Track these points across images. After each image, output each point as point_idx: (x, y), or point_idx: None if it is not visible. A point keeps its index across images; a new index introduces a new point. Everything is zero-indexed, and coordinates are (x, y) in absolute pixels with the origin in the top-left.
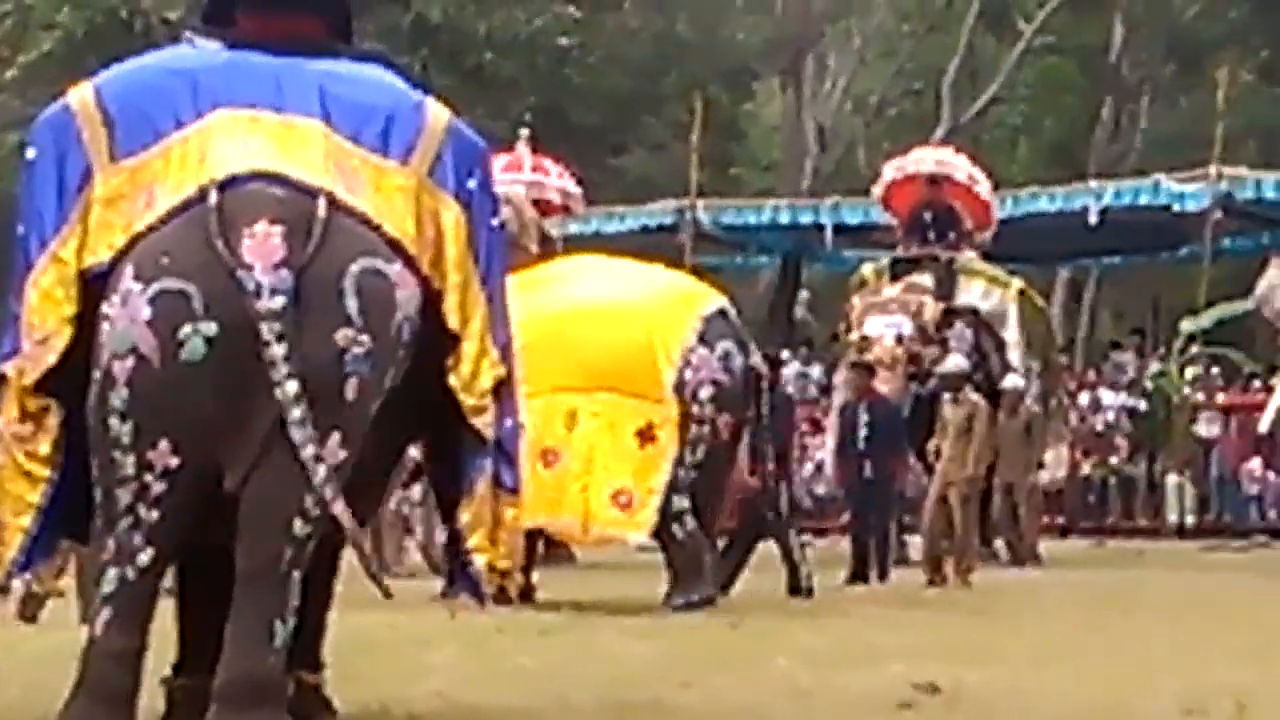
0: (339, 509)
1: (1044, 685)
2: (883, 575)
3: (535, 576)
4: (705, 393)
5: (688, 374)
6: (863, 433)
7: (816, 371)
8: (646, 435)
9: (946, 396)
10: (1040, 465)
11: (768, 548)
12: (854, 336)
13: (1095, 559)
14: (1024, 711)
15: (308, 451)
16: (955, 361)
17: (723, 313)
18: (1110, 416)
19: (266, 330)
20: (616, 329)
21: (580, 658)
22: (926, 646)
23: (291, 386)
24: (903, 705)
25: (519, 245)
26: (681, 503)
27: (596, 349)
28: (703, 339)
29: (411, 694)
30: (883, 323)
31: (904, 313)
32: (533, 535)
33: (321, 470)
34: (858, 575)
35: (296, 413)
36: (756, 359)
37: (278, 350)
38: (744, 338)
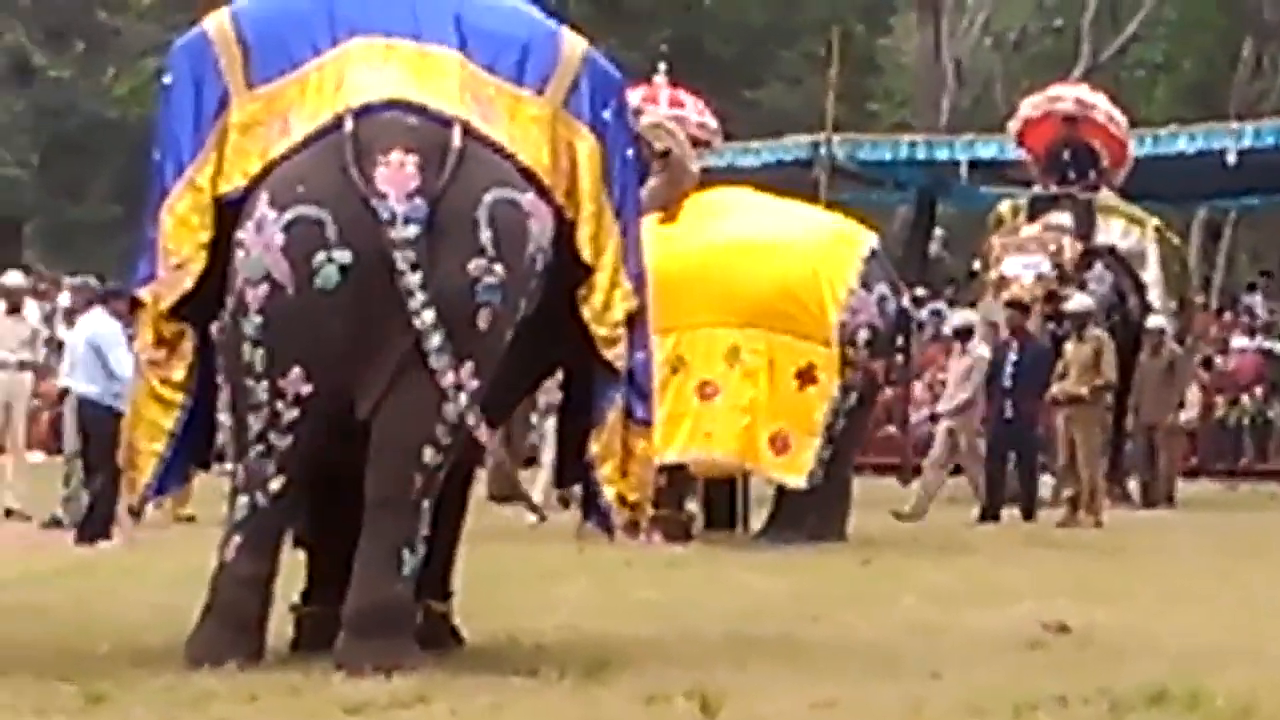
0: (484, 435)
1: (1174, 626)
2: (1029, 515)
3: (695, 509)
4: (862, 337)
5: (847, 317)
6: (1009, 370)
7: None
8: (807, 376)
9: (1072, 335)
10: (1181, 405)
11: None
12: (992, 275)
13: (1228, 501)
14: (1154, 652)
15: (447, 379)
16: (1080, 300)
17: (876, 253)
18: (1245, 358)
19: (401, 259)
20: (782, 266)
21: (709, 592)
22: (1056, 586)
23: (429, 315)
24: (1032, 644)
25: (684, 167)
26: (825, 451)
27: (761, 285)
28: (864, 281)
29: (540, 626)
30: (1021, 262)
31: (1042, 252)
32: (684, 468)
33: (463, 398)
34: (989, 514)
35: (436, 340)
36: (906, 300)
37: (413, 279)
38: (895, 279)
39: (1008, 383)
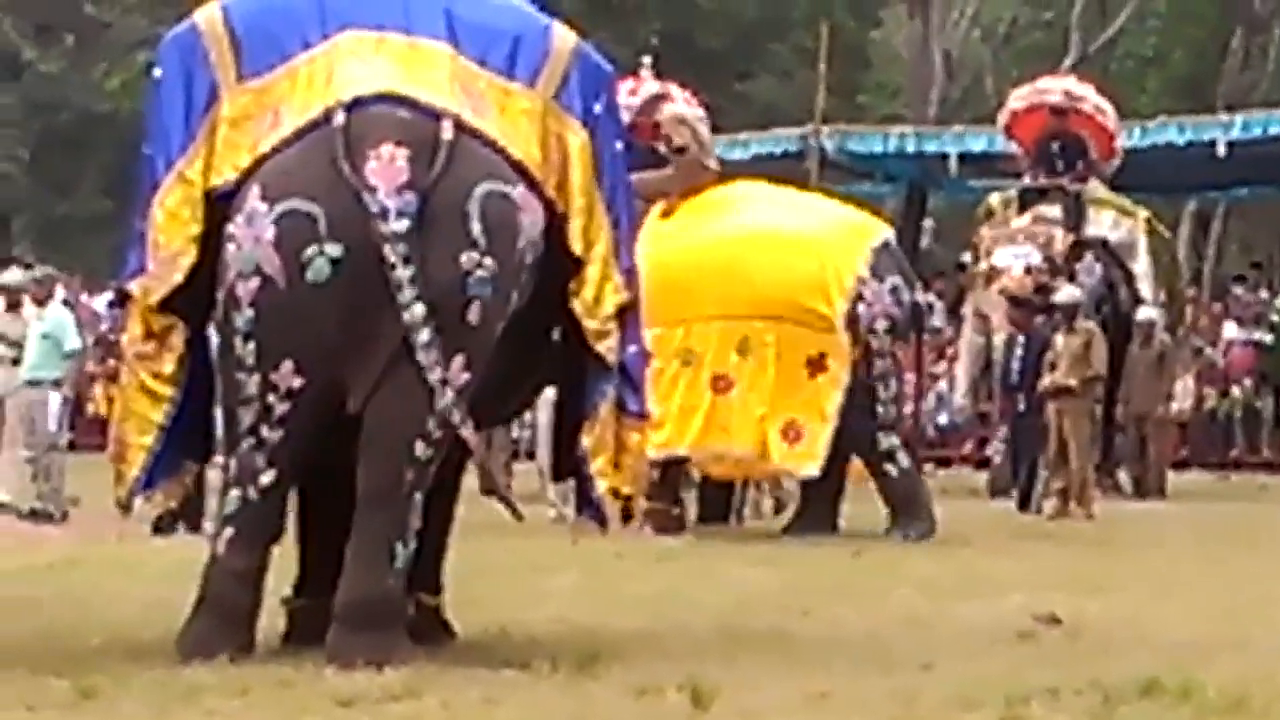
0: (467, 433)
1: (1165, 617)
2: (1026, 505)
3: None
4: (882, 325)
5: (861, 308)
6: (1016, 365)
7: (941, 303)
8: (818, 365)
9: (1062, 327)
10: (1170, 396)
11: None
12: (982, 267)
13: (1218, 492)
14: (1145, 643)
15: (434, 375)
16: (1070, 292)
17: (888, 245)
18: (1235, 350)
19: (391, 253)
20: (790, 258)
21: (700, 584)
22: (1047, 577)
23: (419, 309)
24: (1023, 635)
25: (700, 165)
26: (891, 440)
27: (769, 277)
28: (874, 272)
29: (531, 618)
30: (1011, 253)
31: (1032, 243)
32: (683, 463)
33: (449, 394)
34: (1026, 501)
35: (424, 335)
36: (919, 294)
37: (404, 273)
38: (908, 271)
39: (1015, 379)
